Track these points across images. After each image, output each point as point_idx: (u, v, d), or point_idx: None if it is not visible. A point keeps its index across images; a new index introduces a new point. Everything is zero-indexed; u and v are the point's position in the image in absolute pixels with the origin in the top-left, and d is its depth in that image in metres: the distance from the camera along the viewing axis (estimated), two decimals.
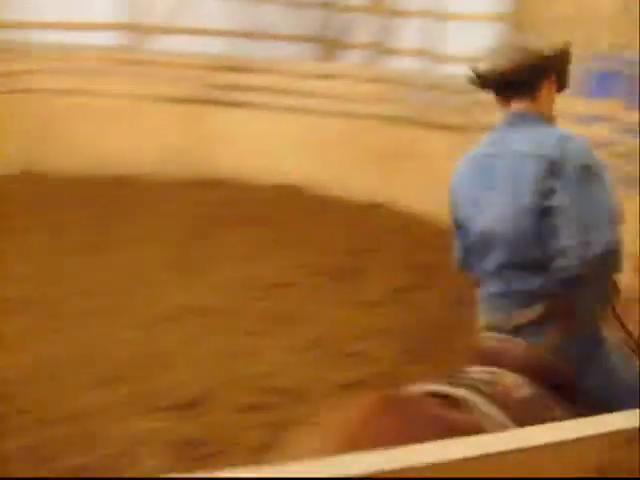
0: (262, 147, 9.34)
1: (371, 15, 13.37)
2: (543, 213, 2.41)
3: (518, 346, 2.47)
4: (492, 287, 2.56)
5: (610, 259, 2.45)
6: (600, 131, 7.14)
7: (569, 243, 2.37)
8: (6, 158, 9.35)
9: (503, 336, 2.50)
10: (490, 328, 2.57)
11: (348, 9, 14.15)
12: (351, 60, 13.39)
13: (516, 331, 2.47)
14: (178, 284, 6.49)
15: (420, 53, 11.99)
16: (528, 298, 2.47)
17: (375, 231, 8.23)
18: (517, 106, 2.59)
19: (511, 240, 2.47)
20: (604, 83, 7.91)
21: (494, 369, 2.43)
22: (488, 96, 2.66)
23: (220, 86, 9.97)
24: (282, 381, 4.96)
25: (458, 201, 2.66)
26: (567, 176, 2.40)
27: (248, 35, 13.60)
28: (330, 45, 14.44)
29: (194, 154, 9.89)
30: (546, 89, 2.62)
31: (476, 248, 2.60)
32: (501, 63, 2.55)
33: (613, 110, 7.32)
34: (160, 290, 6.33)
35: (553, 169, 2.40)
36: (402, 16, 12.66)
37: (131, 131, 9.87)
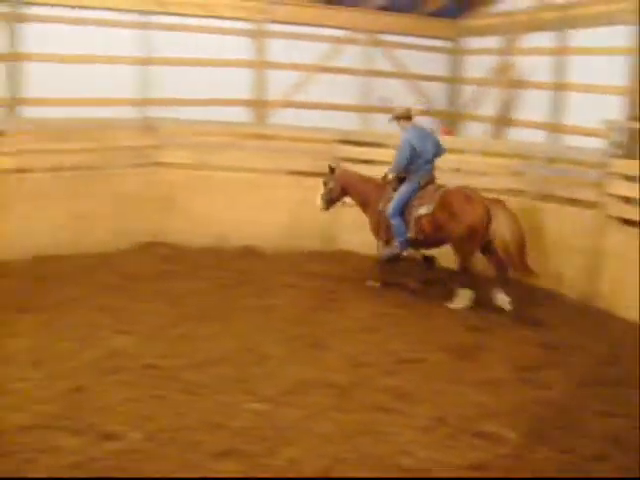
0: None
1: (495, 88, 13.38)
2: None
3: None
4: (421, 171, 8.43)
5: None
6: None
7: None
8: (134, 228, 9.75)
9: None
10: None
11: (472, 81, 14.22)
12: (476, 133, 13.40)
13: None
14: (303, 357, 6.50)
15: (544, 125, 11.90)
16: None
17: (497, 307, 8.07)
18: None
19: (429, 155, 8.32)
20: None
21: None
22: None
23: (345, 159, 10.14)
24: (407, 461, 4.85)
25: (417, 141, 8.32)
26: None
27: (371, 109, 13.85)
28: (455, 118, 14.53)
29: (319, 226, 10.05)
30: None
31: (416, 158, 8.27)
32: None
33: None
34: (282, 363, 6.35)
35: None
36: (525, 87, 12.63)
37: (256, 202, 10.12)
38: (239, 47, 13.08)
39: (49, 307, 7.45)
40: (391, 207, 8.45)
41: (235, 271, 9.04)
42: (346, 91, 13.88)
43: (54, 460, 4.58)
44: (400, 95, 13.96)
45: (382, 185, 8.75)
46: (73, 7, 11.78)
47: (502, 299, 8.04)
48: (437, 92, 14.91)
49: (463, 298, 8.16)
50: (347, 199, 9.16)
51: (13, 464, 4.52)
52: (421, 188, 8.41)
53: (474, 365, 6.54)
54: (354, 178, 9.12)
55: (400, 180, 8.54)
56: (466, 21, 14.44)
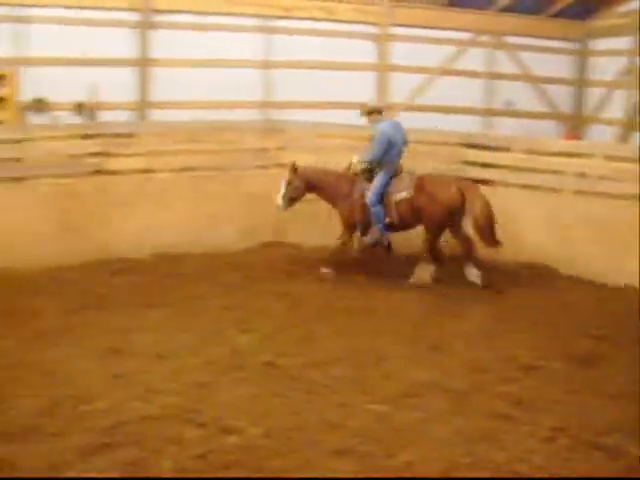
0: (512, 225, 9.26)
1: (624, 90, 12.94)
2: None
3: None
4: (395, 161, 8.96)
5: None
6: None
7: None
8: (257, 228, 9.95)
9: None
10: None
11: (599, 84, 13.81)
12: (602, 136, 13.00)
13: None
14: (420, 360, 6.47)
15: None
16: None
17: (622, 315, 7.80)
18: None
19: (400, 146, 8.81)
20: None
21: None
22: None
23: (470, 163, 10.05)
24: (522, 467, 4.75)
25: (392, 133, 8.82)
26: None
27: (495, 112, 13.66)
28: (581, 121, 14.13)
29: None
30: None
31: (390, 149, 8.76)
32: None
33: None
34: (400, 365, 6.33)
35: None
36: None
37: None
38: (362, 50, 13.16)
39: (174, 304, 7.72)
40: (372, 195, 8.86)
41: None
42: (469, 94, 13.74)
43: (179, 451, 4.72)
44: (524, 98, 13.73)
45: (350, 177, 9.14)
46: (199, 13, 12.17)
47: (474, 273, 8.75)
48: (562, 95, 14.56)
49: (424, 272, 8.80)
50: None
51: (141, 453, 4.69)
52: (394, 176, 8.92)
53: (596, 374, 6.33)
54: (320, 173, 9.32)
55: (370, 171, 8.99)
56: (593, 21, 14.03)
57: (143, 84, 12.15)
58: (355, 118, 9.39)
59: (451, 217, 8.75)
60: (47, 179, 9.14)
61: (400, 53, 13.30)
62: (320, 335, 7.01)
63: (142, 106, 12.12)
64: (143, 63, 12.12)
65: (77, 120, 11.35)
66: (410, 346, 6.78)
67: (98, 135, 9.45)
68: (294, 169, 9.12)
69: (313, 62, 12.68)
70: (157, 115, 12.05)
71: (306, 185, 9.17)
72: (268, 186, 9.75)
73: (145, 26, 12.06)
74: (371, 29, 13.26)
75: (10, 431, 4.99)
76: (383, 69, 13.33)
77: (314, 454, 4.78)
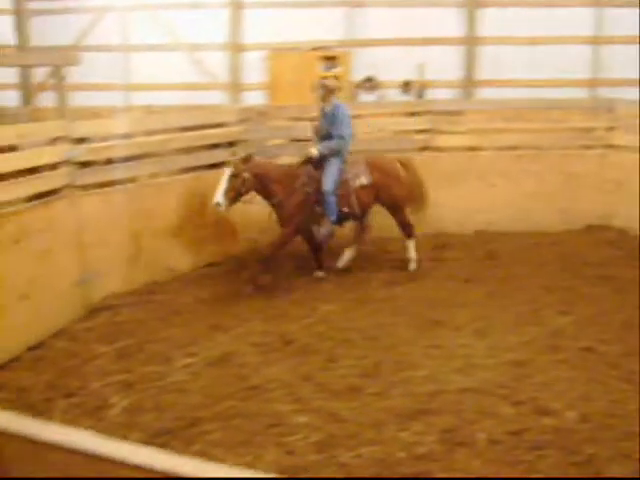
0: None
1: None
2: None
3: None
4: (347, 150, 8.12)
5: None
6: None
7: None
8: (580, 210, 9.68)
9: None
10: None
11: None
12: None
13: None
14: None
15: None
16: None
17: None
18: None
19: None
20: None
21: None
22: None
23: None
24: None
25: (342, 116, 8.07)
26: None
27: None
28: None
29: None
30: None
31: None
32: None
33: None
34: None
35: None
36: None
37: None
38: None
39: (494, 281, 7.84)
40: (330, 184, 8.03)
41: None
42: None
43: (494, 425, 4.86)
44: None
45: (298, 169, 8.15)
46: None
47: (411, 248, 8.40)
48: None
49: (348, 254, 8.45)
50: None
51: (457, 421, 4.91)
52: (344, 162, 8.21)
53: None
54: (271, 166, 8.29)
55: (319, 160, 8.07)
56: None
57: (469, 62, 12.31)
58: None
59: (411, 195, 8.53)
60: (376, 154, 9.65)
61: None
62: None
63: (468, 84, 12.29)
64: (470, 42, 12.27)
65: (404, 98, 11.82)
66: None
67: (425, 112, 9.78)
68: (246, 160, 7.86)
69: None
70: (484, 93, 12.15)
71: (257, 178, 7.86)
72: (593, 167, 9.46)
73: (472, 5, 12.18)
74: None
75: (336, 389, 5.48)
76: None
77: (629, 445, 4.67)
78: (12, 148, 7.17)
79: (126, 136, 8.03)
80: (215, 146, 8.82)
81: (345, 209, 8.16)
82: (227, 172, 7.61)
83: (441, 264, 8.51)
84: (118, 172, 7.65)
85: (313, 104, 8.45)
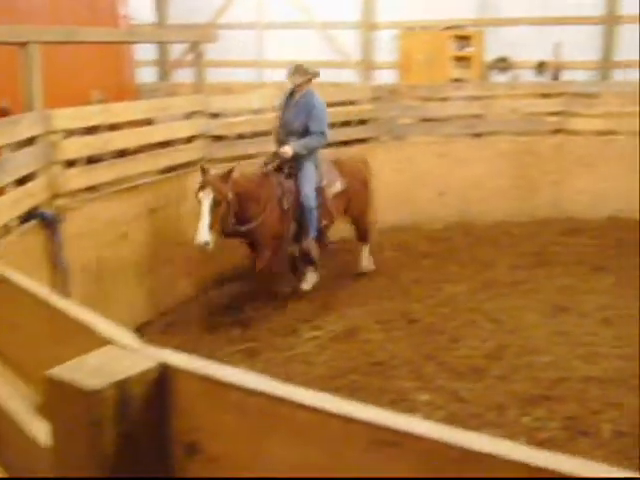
0: None
1: None
2: None
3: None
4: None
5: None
6: None
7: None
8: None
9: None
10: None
11: None
12: None
13: None
14: None
15: None
16: None
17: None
18: None
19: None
20: None
21: None
22: None
23: None
24: None
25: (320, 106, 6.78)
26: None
27: None
28: None
29: None
30: None
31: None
32: None
33: None
34: None
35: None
36: None
37: None
38: None
39: (624, 269, 7.61)
40: (310, 192, 6.66)
41: None
42: None
43: (619, 415, 4.79)
44: None
45: (270, 177, 6.68)
46: None
47: (366, 254, 7.54)
48: None
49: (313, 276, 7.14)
50: None
51: (581, 410, 4.86)
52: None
53: None
54: (246, 179, 6.55)
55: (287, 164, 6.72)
56: None
57: (608, 43, 11.89)
58: None
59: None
60: (506, 136, 9.52)
61: None
62: None
63: (605, 65, 11.88)
64: (609, 21, 11.85)
65: (538, 79, 11.55)
66: None
67: (559, 94, 9.54)
68: (226, 177, 6.21)
69: None
70: (621, 75, 11.71)
71: (237, 198, 6.32)
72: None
73: None
74: None
75: (459, 369, 5.50)
76: None
77: None
78: (148, 122, 7.50)
79: (257, 112, 8.24)
80: (346, 123, 8.91)
81: (324, 222, 7.02)
82: (206, 200, 6.05)
83: (569, 249, 8.32)
84: (249, 147, 7.86)
85: (444, 84, 8.38)
